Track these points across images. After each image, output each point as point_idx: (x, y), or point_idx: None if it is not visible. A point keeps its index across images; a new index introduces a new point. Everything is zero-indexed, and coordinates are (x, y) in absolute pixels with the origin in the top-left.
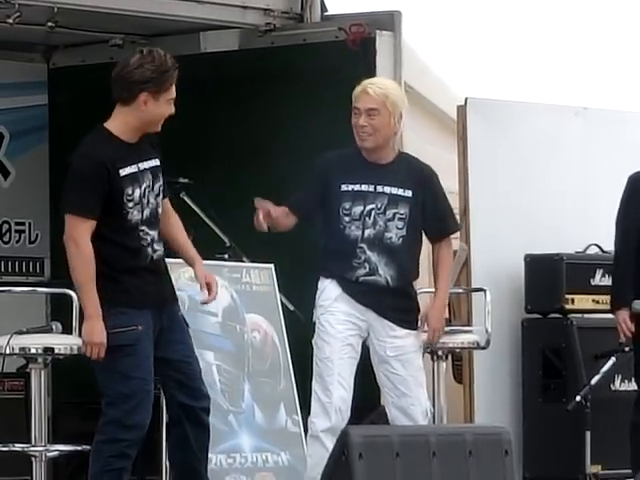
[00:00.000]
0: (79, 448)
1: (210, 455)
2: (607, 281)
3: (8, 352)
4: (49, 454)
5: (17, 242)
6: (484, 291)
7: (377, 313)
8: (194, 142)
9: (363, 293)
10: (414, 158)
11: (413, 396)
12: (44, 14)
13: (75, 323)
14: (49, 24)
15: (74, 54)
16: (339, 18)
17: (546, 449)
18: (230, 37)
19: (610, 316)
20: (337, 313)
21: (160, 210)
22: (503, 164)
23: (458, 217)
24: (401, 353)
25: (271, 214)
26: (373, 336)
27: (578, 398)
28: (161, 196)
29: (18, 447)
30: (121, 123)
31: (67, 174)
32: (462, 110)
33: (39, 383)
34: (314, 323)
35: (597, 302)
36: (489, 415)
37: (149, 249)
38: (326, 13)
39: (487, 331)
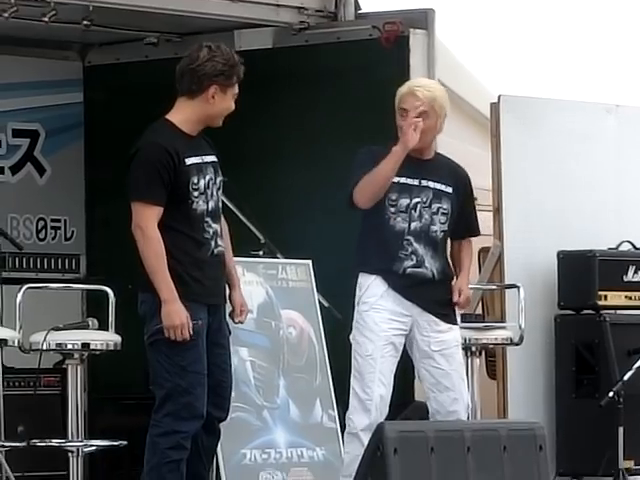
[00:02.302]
0: (115, 443)
1: (244, 450)
2: None
3: (45, 348)
4: (86, 449)
5: (53, 239)
6: (517, 287)
7: (422, 308)
8: (228, 140)
9: (409, 287)
10: (449, 158)
11: (456, 390)
12: (79, 12)
13: (111, 319)
14: (84, 22)
15: (109, 52)
16: (373, 16)
17: (579, 444)
18: (264, 35)
19: None
20: (382, 311)
21: (221, 205)
22: (536, 161)
23: (491, 214)
24: (445, 347)
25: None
26: (417, 332)
27: (611, 394)
28: (221, 191)
29: (55, 442)
30: (185, 116)
31: (131, 162)
32: (495, 108)
33: (75, 379)
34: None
35: (630, 298)
36: (522, 411)
37: (212, 242)
38: (360, 11)
39: (520, 327)
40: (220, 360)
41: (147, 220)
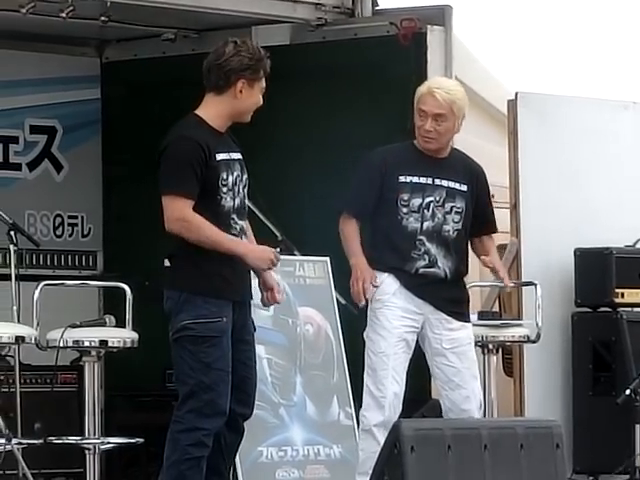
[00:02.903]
0: (132, 441)
1: (261, 448)
2: None
3: (62, 345)
4: (102, 447)
5: (70, 236)
6: (534, 285)
7: (434, 306)
8: (245, 135)
9: (421, 286)
10: (465, 154)
11: (468, 388)
12: (97, 9)
13: (128, 316)
14: (102, 18)
15: (126, 48)
16: (390, 13)
17: (596, 442)
18: (281, 32)
19: None
20: (394, 308)
21: (247, 203)
22: (553, 158)
23: (508, 211)
24: (457, 345)
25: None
26: (429, 329)
27: (628, 391)
28: (247, 189)
29: (72, 440)
30: (214, 111)
31: (161, 157)
32: (512, 104)
33: (92, 376)
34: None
35: None
36: (539, 408)
37: (238, 239)
38: (377, 8)
39: (537, 325)
40: (245, 356)
41: (183, 210)
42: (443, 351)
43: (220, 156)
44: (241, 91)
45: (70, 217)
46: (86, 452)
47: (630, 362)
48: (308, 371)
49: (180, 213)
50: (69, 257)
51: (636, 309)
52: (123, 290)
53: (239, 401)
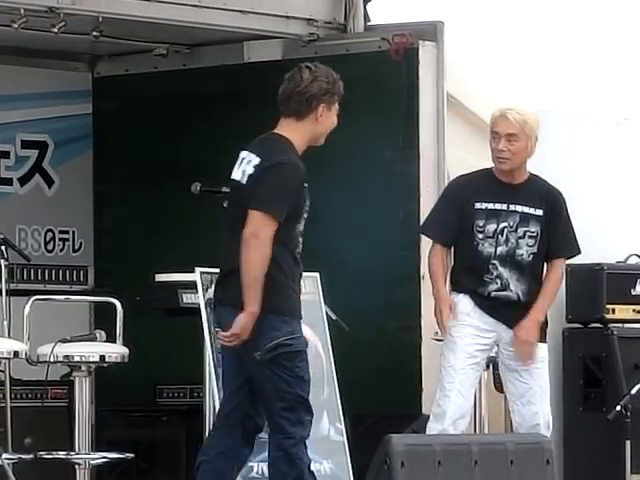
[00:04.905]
0: (122, 456)
1: (252, 464)
2: None
3: (52, 360)
4: (92, 462)
5: (61, 250)
6: None
7: (507, 325)
8: (237, 151)
9: (495, 307)
10: (544, 180)
11: (537, 404)
12: (89, 23)
13: (119, 331)
14: (94, 33)
15: (118, 63)
16: (382, 29)
17: (586, 458)
18: (273, 47)
19: None
20: (468, 327)
21: None
22: (545, 174)
23: None
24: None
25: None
26: (502, 347)
27: (618, 407)
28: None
29: (62, 455)
30: (298, 136)
31: (269, 174)
32: None
33: (83, 391)
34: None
35: (638, 312)
36: None
37: (301, 263)
38: (369, 23)
39: None
40: None
41: (266, 231)
42: (515, 367)
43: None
44: (321, 115)
45: (61, 232)
46: (76, 467)
47: (621, 378)
48: None
49: (262, 232)
50: (60, 272)
51: (627, 325)
52: (114, 305)
53: (259, 413)
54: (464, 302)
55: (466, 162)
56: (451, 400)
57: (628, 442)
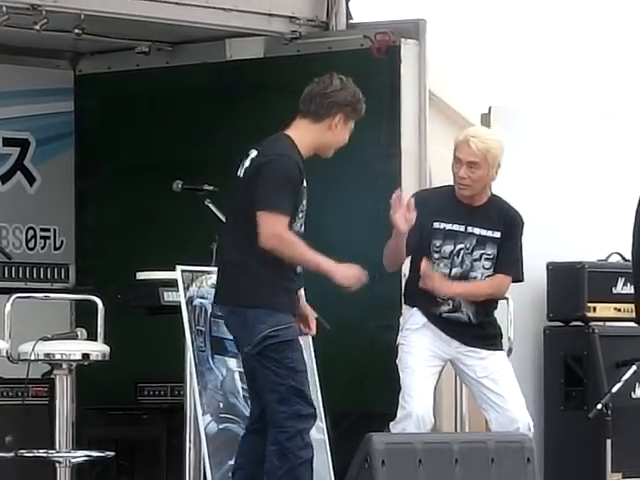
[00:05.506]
0: (102, 454)
1: (232, 462)
2: (629, 289)
3: (33, 358)
4: (73, 460)
5: (42, 248)
6: (506, 299)
7: (460, 342)
8: (219, 149)
9: (447, 326)
10: (504, 201)
11: (513, 411)
12: (71, 21)
13: (100, 329)
14: (76, 31)
15: (100, 61)
16: (364, 26)
17: (567, 457)
18: (256, 45)
19: (631, 324)
20: (423, 336)
21: None
22: (526, 172)
23: None
24: (491, 372)
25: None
26: (460, 363)
27: (599, 406)
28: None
29: (42, 453)
30: (306, 137)
31: (264, 170)
32: (486, 118)
33: (63, 389)
34: (397, 345)
35: (619, 310)
36: None
37: None
38: (351, 21)
39: (509, 339)
40: None
41: (282, 227)
42: (480, 379)
43: (304, 183)
44: (337, 125)
45: (42, 230)
46: (57, 465)
47: (602, 377)
48: None
49: (277, 229)
50: (41, 270)
51: (608, 323)
52: (95, 303)
53: None
54: (417, 316)
55: (447, 160)
56: (414, 400)
57: (609, 441)
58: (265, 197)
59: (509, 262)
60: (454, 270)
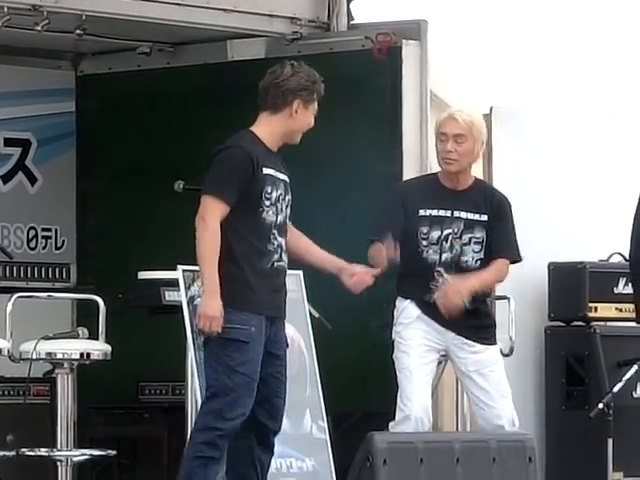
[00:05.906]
0: (104, 453)
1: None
2: (630, 289)
3: (35, 357)
4: (74, 459)
5: (44, 248)
6: (508, 299)
7: (455, 332)
8: None
9: (441, 314)
10: (489, 185)
11: (498, 407)
12: (72, 22)
13: (101, 328)
14: (77, 32)
15: (102, 62)
16: (366, 27)
17: (568, 456)
18: (257, 45)
19: (632, 324)
20: (416, 330)
21: (288, 223)
22: (527, 173)
23: None
24: (481, 367)
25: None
26: (453, 354)
27: (600, 405)
28: (290, 211)
29: (44, 451)
30: (268, 129)
31: (212, 161)
32: (487, 119)
33: (65, 388)
34: (393, 341)
35: (620, 310)
36: None
37: (275, 255)
38: (353, 22)
39: (511, 339)
40: (276, 370)
41: (212, 213)
42: (469, 373)
43: (267, 170)
44: (297, 111)
45: (44, 230)
46: (58, 464)
47: (603, 376)
48: None
49: (207, 214)
50: (42, 269)
51: (609, 323)
52: (96, 303)
53: (271, 416)
54: (410, 308)
55: None
56: (413, 402)
57: (610, 440)
58: (207, 183)
59: (504, 245)
60: (444, 256)
